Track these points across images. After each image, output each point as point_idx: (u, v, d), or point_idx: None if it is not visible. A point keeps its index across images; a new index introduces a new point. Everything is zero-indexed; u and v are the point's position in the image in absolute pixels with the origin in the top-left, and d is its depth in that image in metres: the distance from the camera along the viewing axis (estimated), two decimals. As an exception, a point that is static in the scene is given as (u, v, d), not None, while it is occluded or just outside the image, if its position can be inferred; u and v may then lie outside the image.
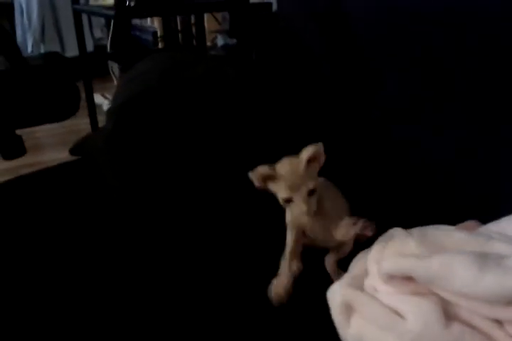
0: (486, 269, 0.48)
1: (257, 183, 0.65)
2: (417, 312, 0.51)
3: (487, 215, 0.69)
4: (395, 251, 0.55)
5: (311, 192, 0.63)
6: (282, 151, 0.85)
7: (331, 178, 0.89)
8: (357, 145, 1.03)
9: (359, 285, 0.60)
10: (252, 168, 0.65)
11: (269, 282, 0.66)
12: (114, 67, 3.20)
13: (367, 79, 1.06)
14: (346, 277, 0.64)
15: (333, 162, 0.98)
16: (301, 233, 0.69)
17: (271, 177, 0.64)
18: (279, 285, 0.64)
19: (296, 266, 0.65)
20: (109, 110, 0.96)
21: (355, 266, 0.66)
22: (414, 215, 0.84)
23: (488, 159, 0.84)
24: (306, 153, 0.63)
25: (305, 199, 0.62)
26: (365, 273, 0.61)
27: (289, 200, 0.64)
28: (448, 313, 0.50)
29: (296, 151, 0.67)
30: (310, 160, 0.64)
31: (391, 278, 0.54)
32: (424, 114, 0.93)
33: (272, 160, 0.67)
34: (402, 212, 0.89)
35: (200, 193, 0.84)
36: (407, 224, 0.65)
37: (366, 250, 0.69)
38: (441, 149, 0.91)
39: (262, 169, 0.64)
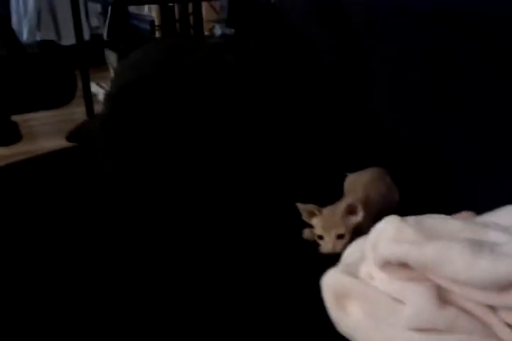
0: (479, 255, 0.48)
1: (304, 217, 0.78)
2: (412, 296, 0.51)
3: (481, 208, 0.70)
4: (391, 238, 0.55)
5: (339, 236, 0.75)
6: (276, 139, 0.85)
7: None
8: (352, 135, 1.04)
9: (353, 273, 0.60)
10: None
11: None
12: (110, 56, 3.18)
13: (363, 71, 1.06)
14: (341, 264, 0.64)
15: (330, 154, 0.98)
16: None
17: (315, 215, 0.77)
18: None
19: None
20: (105, 97, 0.96)
21: (350, 253, 0.66)
22: (411, 205, 0.85)
23: (488, 156, 0.84)
24: (344, 204, 0.77)
25: (332, 240, 0.74)
26: (360, 261, 0.62)
27: (321, 237, 0.76)
28: (442, 299, 0.51)
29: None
30: (350, 212, 0.76)
31: (387, 264, 0.55)
32: (423, 110, 0.93)
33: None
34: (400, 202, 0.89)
35: (195, 179, 0.84)
36: (403, 214, 0.65)
37: (361, 238, 0.69)
38: (443, 146, 0.91)
39: (311, 207, 0.78)
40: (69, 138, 0.99)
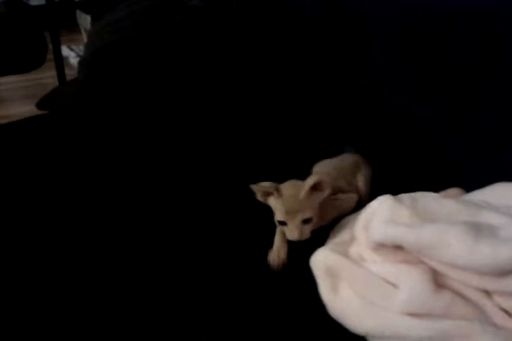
0: (481, 240, 0.47)
1: (258, 197, 0.66)
2: (406, 278, 0.50)
3: (470, 183, 0.68)
4: (386, 219, 0.53)
5: (305, 221, 0.63)
6: (256, 108, 0.80)
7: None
8: (338, 106, 1.01)
9: (343, 252, 0.58)
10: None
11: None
12: (83, 18, 3.04)
13: (353, 40, 1.02)
14: (330, 243, 0.62)
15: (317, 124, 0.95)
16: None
17: (272, 194, 0.64)
18: (275, 254, 0.65)
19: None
20: (80, 61, 0.90)
21: (340, 231, 0.64)
22: (399, 181, 0.82)
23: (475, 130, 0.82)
24: (310, 181, 0.63)
25: (298, 227, 0.63)
26: (351, 240, 0.60)
27: (283, 223, 0.64)
28: (437, 283, 0.49)
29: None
30: (314, 188, 0.63)
31: (380, 246, 0.53)
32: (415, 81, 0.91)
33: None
34: (386, 177, 0.87)
35: (172, 146, 0.80)
36: (391, 191, 0.63)
37: (350, 216, 0.67)
38: (430, 118, 0.89)
39: (265, 185, 0.65)
40: (40, 106, 0.93)
